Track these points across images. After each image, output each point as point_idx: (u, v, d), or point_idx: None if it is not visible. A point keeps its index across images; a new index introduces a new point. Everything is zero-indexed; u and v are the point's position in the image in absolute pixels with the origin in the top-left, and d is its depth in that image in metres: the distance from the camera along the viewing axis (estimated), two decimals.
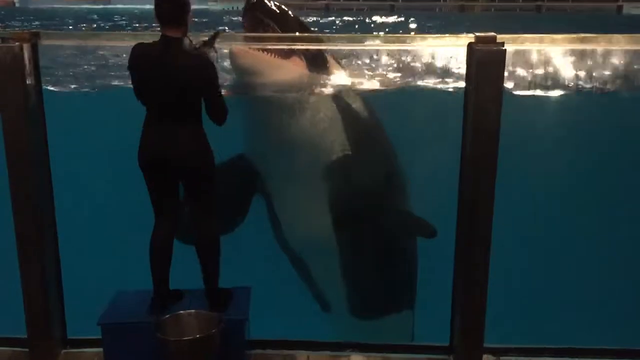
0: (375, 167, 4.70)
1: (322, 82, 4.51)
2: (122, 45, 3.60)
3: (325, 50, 4.48)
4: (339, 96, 4.55)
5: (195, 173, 3.41)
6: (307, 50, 4.24)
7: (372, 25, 18.49)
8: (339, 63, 4.76)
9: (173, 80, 3.21)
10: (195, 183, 3.43)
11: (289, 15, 4.38)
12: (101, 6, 27.55)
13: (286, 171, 4.47)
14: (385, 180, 4.74)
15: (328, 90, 4.50)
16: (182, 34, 3.26)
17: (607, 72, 5.31)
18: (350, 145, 4.46)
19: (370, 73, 5.41)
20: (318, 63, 4.43)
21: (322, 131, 4.40)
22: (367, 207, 4.57)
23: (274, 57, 4.14)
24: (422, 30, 16.08)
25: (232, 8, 25.35)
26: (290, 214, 4.67)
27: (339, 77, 4.64)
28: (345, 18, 19.28)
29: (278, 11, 4.28)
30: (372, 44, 4.20)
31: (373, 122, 4.74)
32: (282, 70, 4.18)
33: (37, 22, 17.03)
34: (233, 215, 4.56)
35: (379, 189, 4.65)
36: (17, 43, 3.29)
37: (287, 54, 4.19)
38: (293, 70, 4.25)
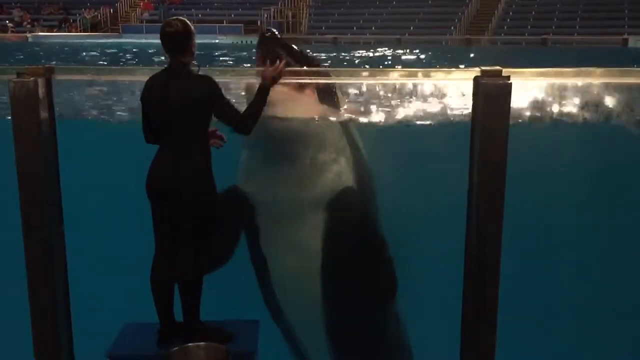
0: (373, 207, 4.60)
1: (331, 115, 4.50)
2: (135, 79, 3.68)
3: (333, 84, 4.54)
4: (345, 130, 4.51)
5: (189, 201, 3.43)
6: (318, 84, 4.28)
7: (380, 59, 18.68)
8: (341, 97, 4.74)
9: (173, 103, 3.35)
10: (188, 212, 3.45)
11: (299, 51, 4.42)
12: (112, 40, 27.97)
13: (282, 204, 4.32)
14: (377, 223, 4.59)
15: (335, 124, 4.48)
16: (188, 60, 3.41)
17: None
18: (352, 182, 4.39)
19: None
20: (328, 96, 4.44)
21: (324, 164, 4.34)
22: (360, 250, 4.36)
23: (289, 89, 4.13)
24: (428, 64, 16.24)
25: (241, 42, 25.73)
26: (278, 251, 4.47)
27: (344, 111, 4.65)
28: (353, 52, 19.48)
29: (290, 47, 4.34)
30: (379, 78, 4.25)
31: (367, 161, 4.63)
32: (296, 103, 4.19)
33: (49, 56, 17.32)
34: (220, 253, 4.35)
35: (374, 231, 4.50)
36: (31, 78, 3.36)
37: (300, 87, 4.22)
38: (306, 102, 4.26)
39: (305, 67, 4.09)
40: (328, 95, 4.45)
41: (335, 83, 4.47)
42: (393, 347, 4.87)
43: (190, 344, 3.43)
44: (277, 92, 3.97)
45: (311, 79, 4.06)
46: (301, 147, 4.27)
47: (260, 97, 3.50)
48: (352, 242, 4.37)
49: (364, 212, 4.54)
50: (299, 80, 4.00)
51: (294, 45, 4.41)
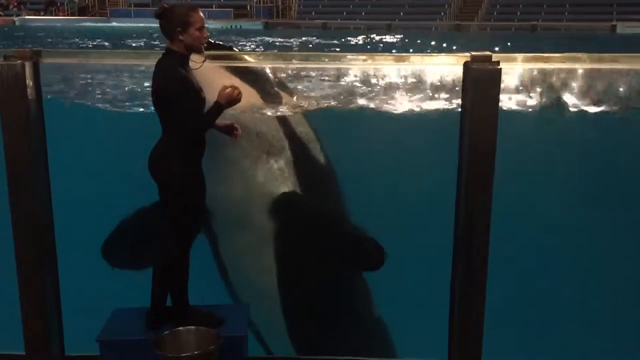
0: (321, 202, 4.54)
1: (271, 106, 4.34)
2: (124, 63, 3.64)
3: (275, 77, 4.42)
4: (285, 124, 4.36)
5: (158, 187, 3.45)
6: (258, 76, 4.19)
7: (369, 45, 18.63)
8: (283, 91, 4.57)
9: (152, 89, 3.38)
10: (159, 196, 3.47)
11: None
12: (100, 24, 27.71)
13: (229, 206, 4.22)
14: (332, 215, 4.55)
15: (271, 118, 4.31)
16: (176, 47, 3.35)
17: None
18: (295, 177, 4.29)
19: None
20: (266, 88, 4.30)
21: (267, 160, 4.22)
22: (313, 246, 4.34)
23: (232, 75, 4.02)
24: (418, 49, 16.22)
25: (231, 27, 25.57)
26: (235, 256, 4.45)
27: (288, 105, 4.51)
28: (344, 39, 19.40)
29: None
30: (368, 63, 4.23)
31: (319, 149, 4.53)
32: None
33: (37, 40, 17.14)
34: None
35: (327, 225, 4.44)
36: (18, 61, 3.33)
37: (244, 76, 4.10)
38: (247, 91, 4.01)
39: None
40: (269, 87, 4.33)
41: (275, 76, 4.39)
42: (362, 331, 4.86)
43: (180, 328, 3.44)
44: (211, 75, 3.76)
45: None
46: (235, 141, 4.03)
47: (212, 113, 3.39)
48: (301, 236, 4.33)
49: (311, 207, 4.43)
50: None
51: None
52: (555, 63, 3.56)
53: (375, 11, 30.24)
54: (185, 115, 3.30)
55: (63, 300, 3.73)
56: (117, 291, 4.14)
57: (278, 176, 4.27)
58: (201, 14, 3.36)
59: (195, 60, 3.42)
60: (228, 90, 3.40)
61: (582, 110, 5.28)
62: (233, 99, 3.41)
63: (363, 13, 30.25)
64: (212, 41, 4.01)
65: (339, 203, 4.72)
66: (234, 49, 4.35)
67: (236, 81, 4.02)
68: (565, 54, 3.44)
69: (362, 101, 5.29)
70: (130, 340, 3.57)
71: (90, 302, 4.21)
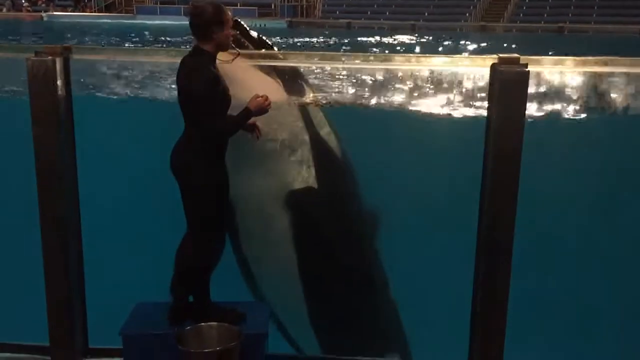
0: (341, 197, 4.55)
1: (293, 102, 4.33)
2: (153, 60, 3.67)
3: (301, 73, 4.43)
4: (306, 117, 4.36)
5: (181, 185, 3.44)
6: (284, 72, 4.18)
7: (393, 45, 18.59)
8: (309, 87, 4.58)
9: (178, 86, 3.36)
10: (182, 193, 3.46)
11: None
12: (127, 21, 28.00)
13: (250, 201, 4.23)
14: (349, 210, 4.58)
15: (293, 110, 4.31)
16: (210, 47, 3.34)
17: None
18: (316, 172, 4.29)
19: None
20: (295, 84, 4.32)
21: (289, 155, 4.23)
22: (331, 238, 4.39)
23: (252, 70, 4.01)
24: (443, 50, 16.14)
25: (255, 25, 25.70)
26: (255, 248, 4.47)
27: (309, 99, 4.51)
28: (367, 39, 19.34)
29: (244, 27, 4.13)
30: (393, 64, 4.22)
31: (338, 146, 4.54)
32: (257, 85, 3.92)
33: (66, 36, 17.37)
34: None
35: (344, 219, 4.48)
36: (49, 57, 3.37)
37: (263, 71, 4.09)
38: (268, 87, 3.98)
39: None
40: (294, 83, 4.33)
41: (303, 72, 4.39)
42: (383, 331, 4.86)
43: (202, 324, 3.47)
44: (239, 70, 3.76)
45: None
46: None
47: (239, 118, 3.41)
48: (318, 229, 4.37)
49: (330, 200, 4.45)
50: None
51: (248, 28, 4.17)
52: (586, 67, 3.52)
53: (399, 11, 30.17)
54: (212, 118, 3.31)
55: (88, 292, 3.78)
56: (139, 285, 4.19)
57: (299, 171, 4.29)
58: (230, 13, 3.38)
59: (221, 59, 3.44)
60: (259, 99, 3.42)
61: None
62: (263, 108, 3.43)
63: (387, 13, 30.18)
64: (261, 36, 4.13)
65: (357, 196, 4.72)
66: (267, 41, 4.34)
67: (261, 76, 4.06)
68: (596, 57, 3.40)
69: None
70: (154, 334, 3.61)
71: (116, 294, 4.25)
